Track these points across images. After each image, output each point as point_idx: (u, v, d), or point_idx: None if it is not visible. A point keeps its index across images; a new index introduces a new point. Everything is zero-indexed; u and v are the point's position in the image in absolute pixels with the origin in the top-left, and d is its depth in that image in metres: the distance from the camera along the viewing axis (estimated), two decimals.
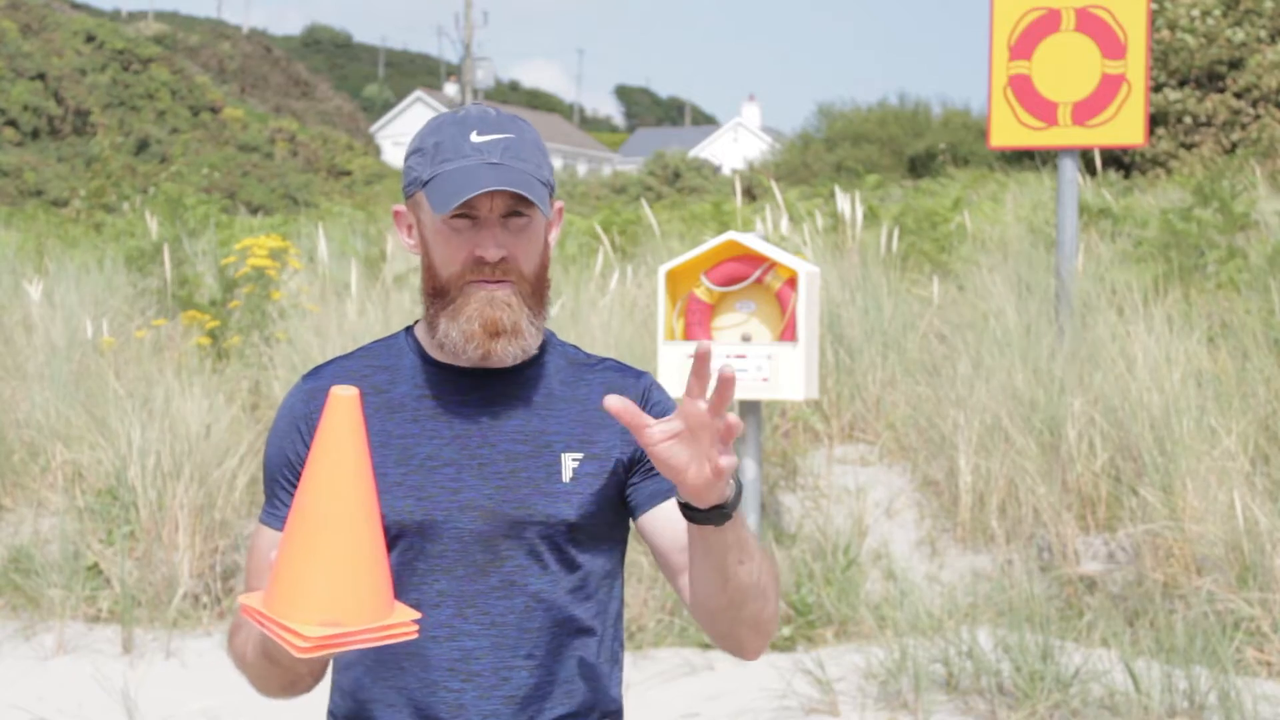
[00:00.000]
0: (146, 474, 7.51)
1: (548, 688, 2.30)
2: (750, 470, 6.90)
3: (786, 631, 6.85)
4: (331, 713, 2.40)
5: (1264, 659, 6.20)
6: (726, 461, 2.08)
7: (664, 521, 2.34)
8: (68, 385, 8.54)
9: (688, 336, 6.88)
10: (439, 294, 2.31)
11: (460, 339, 2.28)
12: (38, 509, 8.04)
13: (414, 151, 2.33)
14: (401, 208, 2.39)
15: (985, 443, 7.40)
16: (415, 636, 2.06)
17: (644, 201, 12.42)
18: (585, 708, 2.33)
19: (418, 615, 2.06)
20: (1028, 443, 7.28)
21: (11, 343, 9.57)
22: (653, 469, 2.34)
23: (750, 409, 6.91)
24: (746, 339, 6.87)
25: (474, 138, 2.28)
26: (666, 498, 2.33)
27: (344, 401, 2.02)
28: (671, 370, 6.82)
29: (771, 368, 6.71)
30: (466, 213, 2.27)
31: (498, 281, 2.28)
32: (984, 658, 6.08)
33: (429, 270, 2.32)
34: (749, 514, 6.90)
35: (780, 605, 7.54)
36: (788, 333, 6.75)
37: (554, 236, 2.39)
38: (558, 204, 2.40)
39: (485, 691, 2.27)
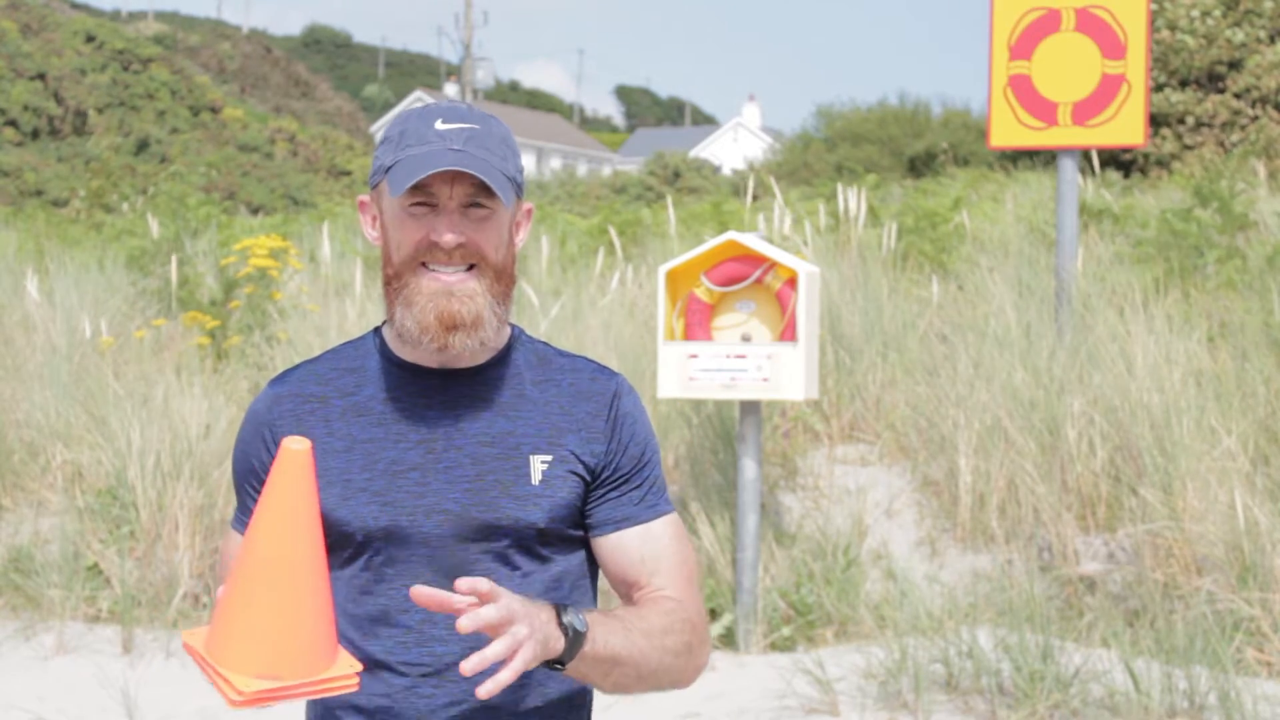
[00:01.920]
0: (146, 474, 7.51)
1: (522, 691, 2.27)
2: (750, 470, 6.90)
3: (786, 631, 6.86)
4: (308, 715, 2.39)
5: (1264, 659, 6.20)
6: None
7: (608, 552, 2.34)
8: (68, 385, 8.54)
9: (688, 336, 6.88)
10: (395, 278, 2.27)
11: (415, 329, 2.25)
12: (38, 509, 8.04)
13: (381, 142, 2.31)
14: (366, 198, 2.37)
15: (985, 443, 7.40)
16: (355, 689, 2.06)
17: (668, 200, 12.40)
18: (560, 709, 2.32)
19: (359, 667, 2.07)
20: (1027, 443, 7.28)
21: (11, 343, 9.57)
22: (610, 492, 2.33)
23: (750, 409, 6.91)
24: (746, 339, 6.87)
25: (439, 125, 2.26)
26: (616, 528, 2.33)
27: (294, 455, 2.01)
28: (671, 370, 6.82)
29: (771, 368, 6.71)
30: (425, 200, 2.24)
31: (456, 272, 2.24)
32: (984, 658, 6.08)
33: (386, 258, 2.29)
34: (749, 514, 6.90)
35: (780, 605, 7.43)
36: (788, 333, 6.75)
37: (521, 236, 2.35)
38: (526, 205, 2.37)
39: (458, 697, 2.25)
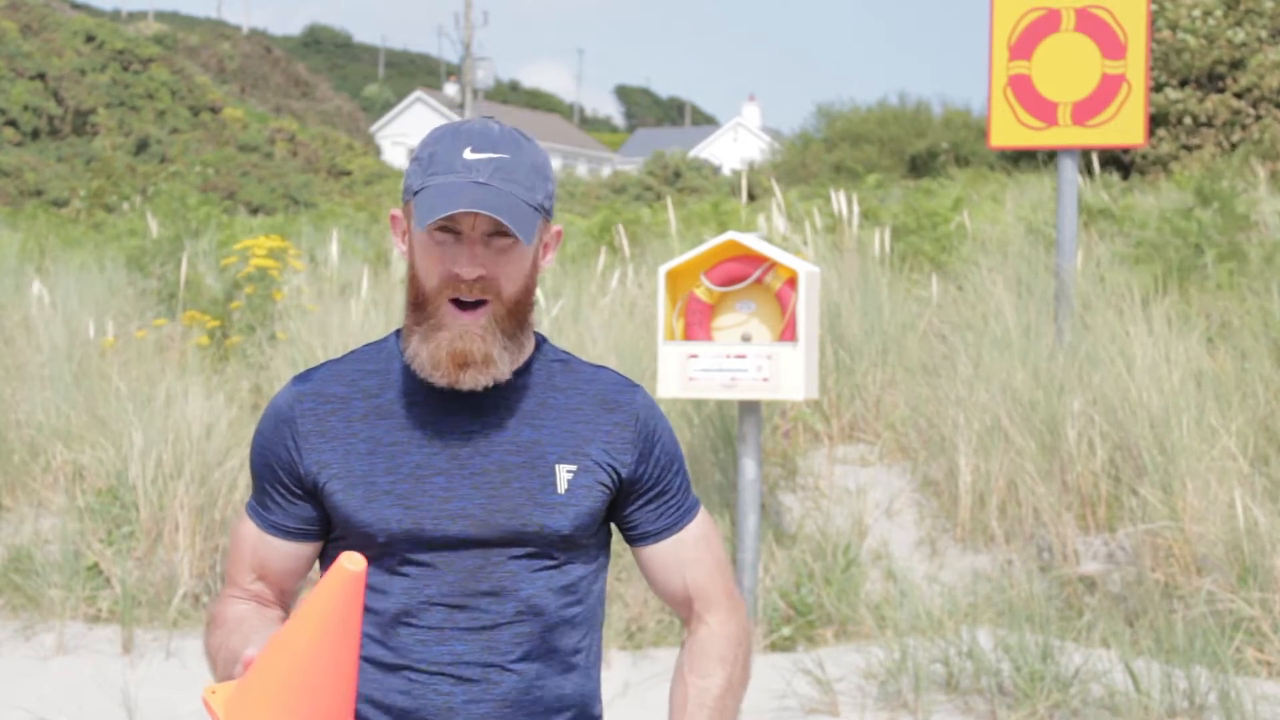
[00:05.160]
0: (147, 474, 7.51)
1: (538, 691, 2.31)
2: (750, 470, 6.90)
3: (786, 631, 6.86)
4: None
5: (1264, 659, 6.20)
6: None
7: (654, 562, 2.43)
8: (68, 385, 8.54)
9: (688, 337, 6.88)
10: (419, 306, 2.30)
11: (429, 363, 2.28)
12: (38, 509, 8.04)
13: (414, 160, 2.33)
14: (398, 212, 2.39)
15: (985, 443, 7.40)
16: None
17: (668, 200, 12.39)
18: (575, 710, 2.36)
19: None
20: (1027, 443, 7.28)
21: (12, 343, 9.57)
22: (648, 504, 2.40)
23: (750, 409, 6.91)
24: (746, 339, 6.87)
25: (467, 154, 2.27)
26: (657, 539, 2.42)
27: (347, 576, 2.04)
28: (671, 370, 6.82)
29: (771, 368, 6.72)
30: (449, 227, 2.26)
31: (474, 306, 2.27)
32: (984, 658, 6.09)
33: (413, 280, 2.32)
34: (749, 514, 6.90)
35: (780, 605, 7.47)
36: (788, 333, 6.76)
37: (547, 260, 2.37)
38: (555, 228, 2.38)
39: (475, 695, 2.28)
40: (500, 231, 2.26)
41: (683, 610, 2.45)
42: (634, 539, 2.42)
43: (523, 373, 2.36)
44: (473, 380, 2.27)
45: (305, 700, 2.03)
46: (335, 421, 2.33)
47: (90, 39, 40.72)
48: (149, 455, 7.54)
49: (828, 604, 6.94)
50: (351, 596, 2.04)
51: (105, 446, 7.79)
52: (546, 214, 2.32)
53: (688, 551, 2.42)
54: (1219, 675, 5.77)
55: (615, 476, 2.35)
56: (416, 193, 2.28)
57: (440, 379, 2.28)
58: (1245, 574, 6.34)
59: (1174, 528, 6.65)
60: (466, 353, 2.26)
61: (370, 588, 2.30)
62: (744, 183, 15.39)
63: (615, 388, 2.40)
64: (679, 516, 2.42)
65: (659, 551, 2.42)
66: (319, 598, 2.04)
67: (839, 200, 10.35)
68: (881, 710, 6.10)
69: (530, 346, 2.38)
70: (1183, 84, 16.32)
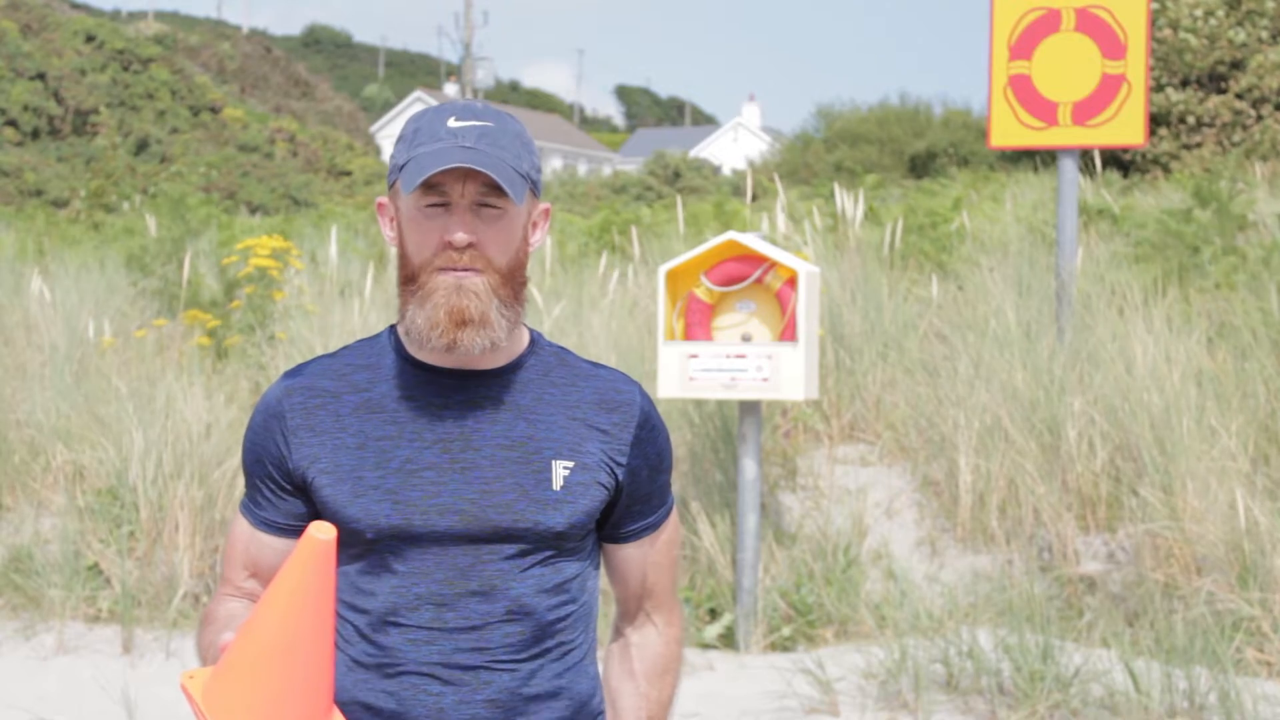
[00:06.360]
0: (147, 474, 7.51)
1: (529, 691, 2.29)
2: (750, 470, 6.90)
3: (786, 631, 6.86)
4: None
5: (1264, 659, 6.20)
6: None
7: (625, 560, 2.43)
8: (68, 385, 8.54)
9: (688, 337, 6.88)
10: (409, 280, 2.27)
11: (425, 326, 2.24)
12: (38, 509, 8.04)
13: (397, 141, 2.31)
14: (384, 199, 2.36)
15: (985, 443, 7.40)
16: None
17: (677, 200, 12.36)
18: (568, 710, 2.33)
19: None
20: (1028, 443, 7.28)
21: (12, 343, 9.57)
22: (635, 504, 2.38)
23: (750, 409, 6.91)
24: (746, 339, 6.87)
25: (451, 123, 2.25)
26: (636, 538, 2.41)
27: (316, 545, 2.02)
28: (671, 370, 6.82)
29: (771, 368, 6.72)
30: (439, 200, 2.23)
31: (465, 270, 2.23)
32: (984, 658, 6.09)
33: (402, 257, 2.28)
34: (749, 514, 6.90)
35: (780, 605, 7.45)
36: (788, 333, 6.76)
37: (537, 238, 2.34)
38: (543, 205, 2.35)
39: (465, 695, 2.26)
40: (488, 202, 2.24)
41: (629, 604, 2.45)
42: (611, 538, 2.40)
43: (518, 367, 2.33)
44: (470, 340, 2.23)
45: (283, 675, 2.01)
46: (324, 416, 2.30)
47: (90, 39, 40.70)
48: (149, 455, 7.54)
49: (828, 604, 6.94)
50: (323, 566, 2.02)
51: (105, 446, 7.79)
52: (534, 186, 2.29)
53: (656, 553, 2.43)
54: (1219, 675, 5.77)
55: (614, 477, 2.32)
56: (402, 166, 2.26)
57: (439, 340, 2.23)
58: (1245, 574, 6.34)
59: (1174, 528, 6.65)
60: (464, 309, 2.22)
61: (359, 587, 2.28)
62: (749, 182, 15.34)
63: (614, 386, 2.37)
64: (659, 518, 2.41)
65: (631, 551, 2.42)
66: (290, 571, 2.02)
67: (843, 198, 10.34)
68: (881, 710, 6.10)
69: (524, 337, 2.36)
70: (1184, 84, 16.31)
